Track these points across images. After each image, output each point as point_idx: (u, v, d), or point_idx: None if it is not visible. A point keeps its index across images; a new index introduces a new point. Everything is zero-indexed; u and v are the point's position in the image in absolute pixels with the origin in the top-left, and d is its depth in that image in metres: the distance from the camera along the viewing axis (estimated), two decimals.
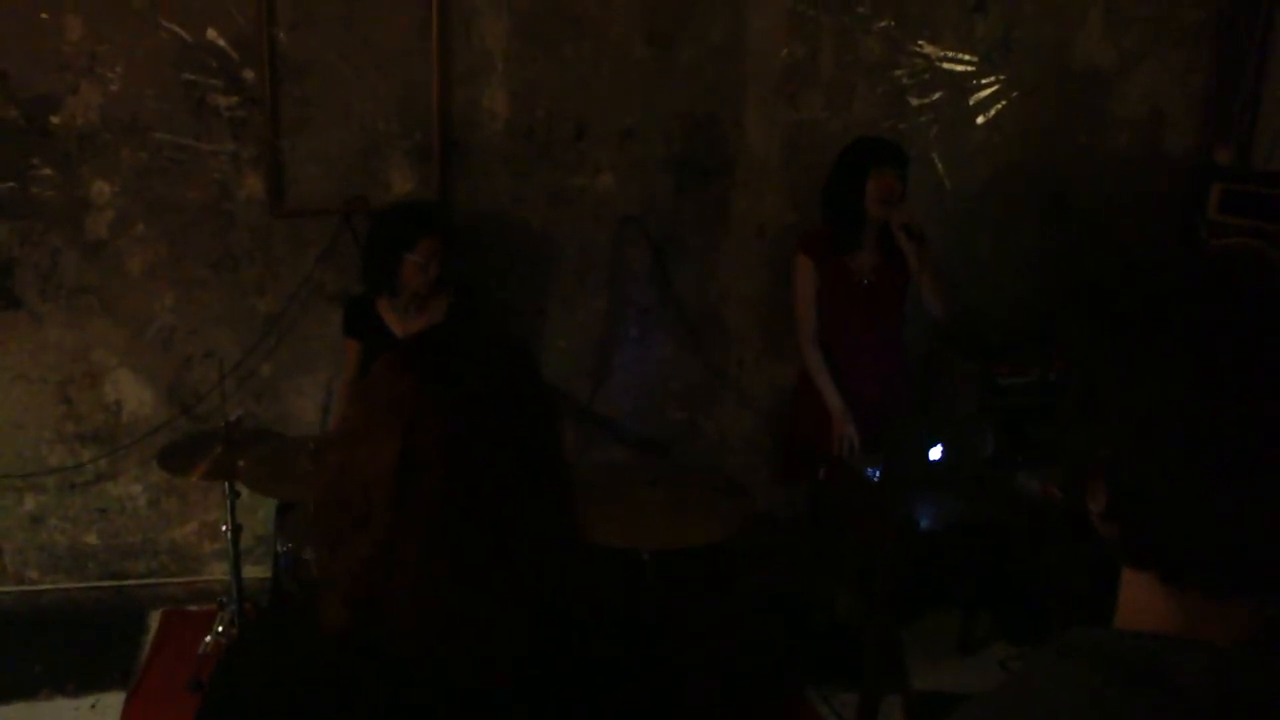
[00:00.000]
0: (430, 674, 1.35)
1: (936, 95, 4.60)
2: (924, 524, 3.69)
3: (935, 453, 3.81)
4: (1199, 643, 0.99)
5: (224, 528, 3.83)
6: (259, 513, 4.32)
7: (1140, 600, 1.05)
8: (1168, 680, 0.97)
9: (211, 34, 4.04)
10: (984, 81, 4.63)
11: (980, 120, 4.67)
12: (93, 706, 3.90)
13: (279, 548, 3.59)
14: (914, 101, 4.59)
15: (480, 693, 1.37)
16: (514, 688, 1.37)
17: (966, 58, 4.59)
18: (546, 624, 1.37)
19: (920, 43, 4.54)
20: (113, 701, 3.91)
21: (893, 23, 4.49)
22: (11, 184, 4.03)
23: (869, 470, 3.83)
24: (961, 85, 4.62)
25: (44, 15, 3.92)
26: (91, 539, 4.40)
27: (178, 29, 4.01)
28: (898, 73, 4.55)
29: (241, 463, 3.60)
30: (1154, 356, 1.00)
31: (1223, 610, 1.00)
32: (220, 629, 3.90)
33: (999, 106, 4.66)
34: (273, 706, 1.41)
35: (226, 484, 3.77)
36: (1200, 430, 0.95)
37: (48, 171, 4.04)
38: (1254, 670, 0.98)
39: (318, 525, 1.44)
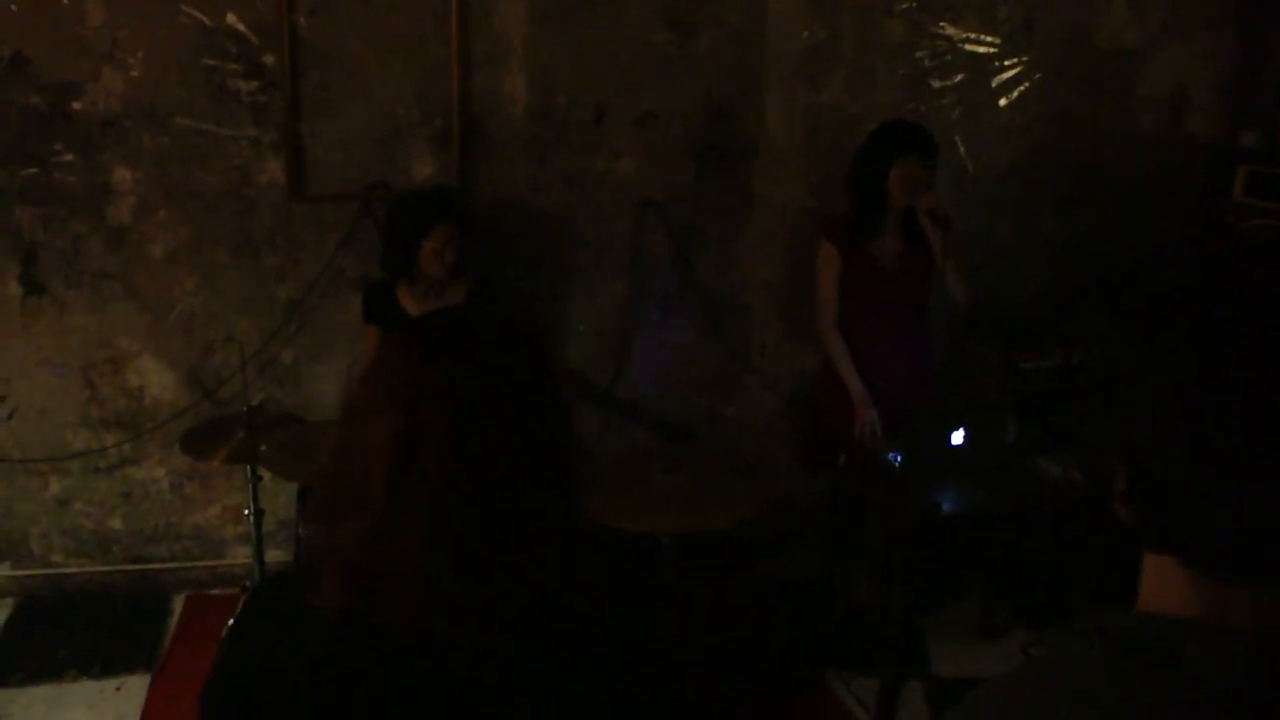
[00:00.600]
0: (426, 660, 1.34)
1: (959, 77, 4.57)
2: (945, 509, 3.69)
3: (957, 438, 3.80)
4: (1219, 628, 0.99)
5: (246, 511, 3.85)
6: (280, 497, 4.34)
7: (1162, 584, 1.05)
8: (1187, 665, 0.97)
9: (231, 19, 4.04)
10: (1006, 63, 4.59)
11: (1003, 102, 4.63)
12: (118, 689, 3.93)
13: (301, 531, 3.61)
14: (936, 84, 4.56)
15: (477, 681, 1.36)
16: (512, 677, 1.36)
17: (989, 39, 4.55)
18: (547, 614, 1.36)
19: (942, 24, 4.50)
20: (138, 684, 3.95)
21: (914, 4, 4.46)
22: (34, 170, 4.05)
23: (891, 455, 3.81)
24: (984, 67, 4.59)
25: (65, 1, 3.93)
26: (116, 523, 4.44)
27: (198, 14, 4.02)
28: (919, 54, 4.52)
29: (263, 447, 3.62)
30: (1163, 347, 1.01)
31: (1246, 596, 1.00)
32: None
33: (1022, 88, 4.63)
34: (272, 690, 1.41)
35: (248, 468, 3.79)
36: (1208, 419, 0.96)
37: (70, 158, 4.06)
38: (1276, 656, 0.97)
39: (317, 503, 1.44)
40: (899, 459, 3.79)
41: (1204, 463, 0.96)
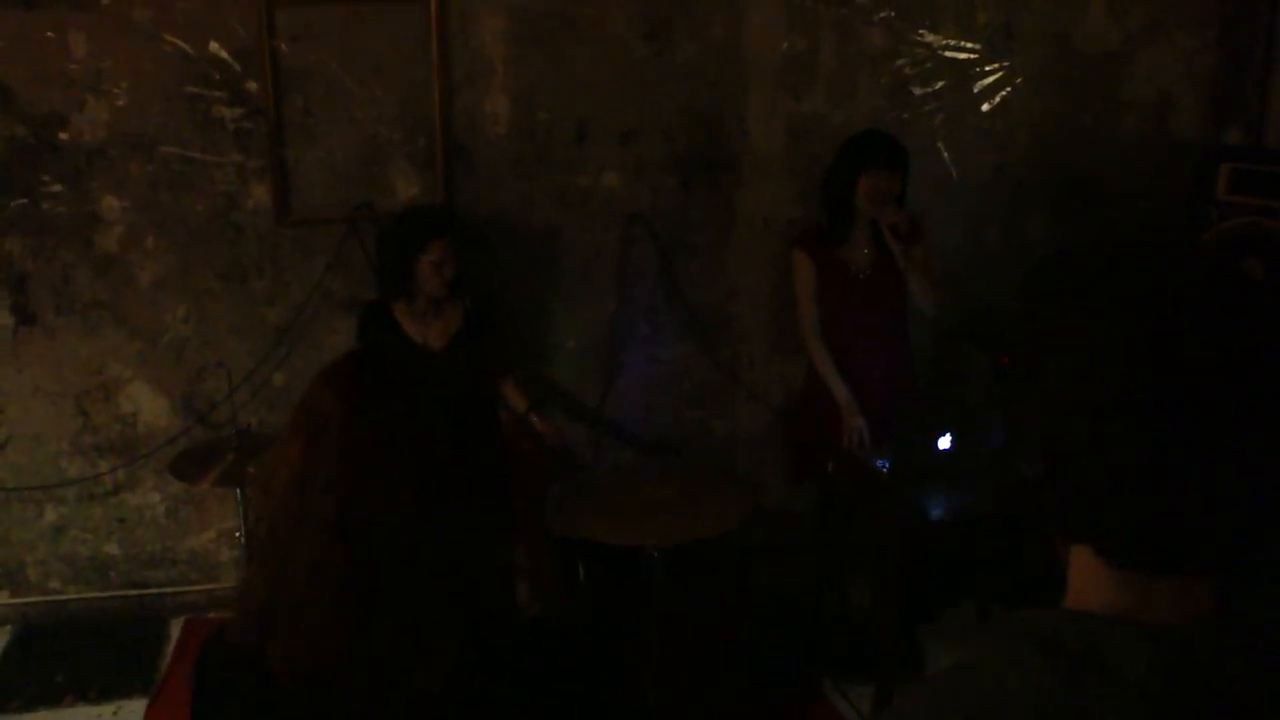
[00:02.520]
0: (328, 699, 1.32)
1: (940, 84, 4.59)
2: (934, 514, 3.69)
3: (944, 442, 3.80)
4: (1137, 624, 0.99)
5: (238, 534, 3.87)
6: None
7: (1085, 579, 1.05)
8: (1108, 662, 0.97)
9: (214, 46, 4.09)
10: (987, 69, 4.61)
11: (985, 108, 4.65)
12: (115, 713, 3.95)
13: None
14: (917, 91, 4.58)
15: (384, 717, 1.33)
16: (419, 715, 1.34)
17: (969, 45, 4.57)
18: (460, 651, 1.33)
19: (921, 32, 4.52)
20: (135, 708, 3.96)
21: (893, 13, 4.48)
22: (23, 201, 4.09)
23: (878, 462, 3.82)
24: (965, 73, 4.60)
25: (50, 34, 3.98)
26: (112, 549, 4.46)
27: (180, 43, 4.06)
28: (900, 62, 4.54)
29: (252, 469, 3.64)
30: (1075, 333, 1.02)
31: (1168, 590, 1.00)
32: None
33: (1003, 93, 4.64)
34: None
35: (238, 491, 3.81)
36: (1118, 407, 0.97)
37: (58, 188, 4.10)
38: (1200, 653, 0.98)
39: (247, 540, 1.44)
40: (887, 465, 3.79)
41: (1113, 451, 0.97)
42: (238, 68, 4.12)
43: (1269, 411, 0.95)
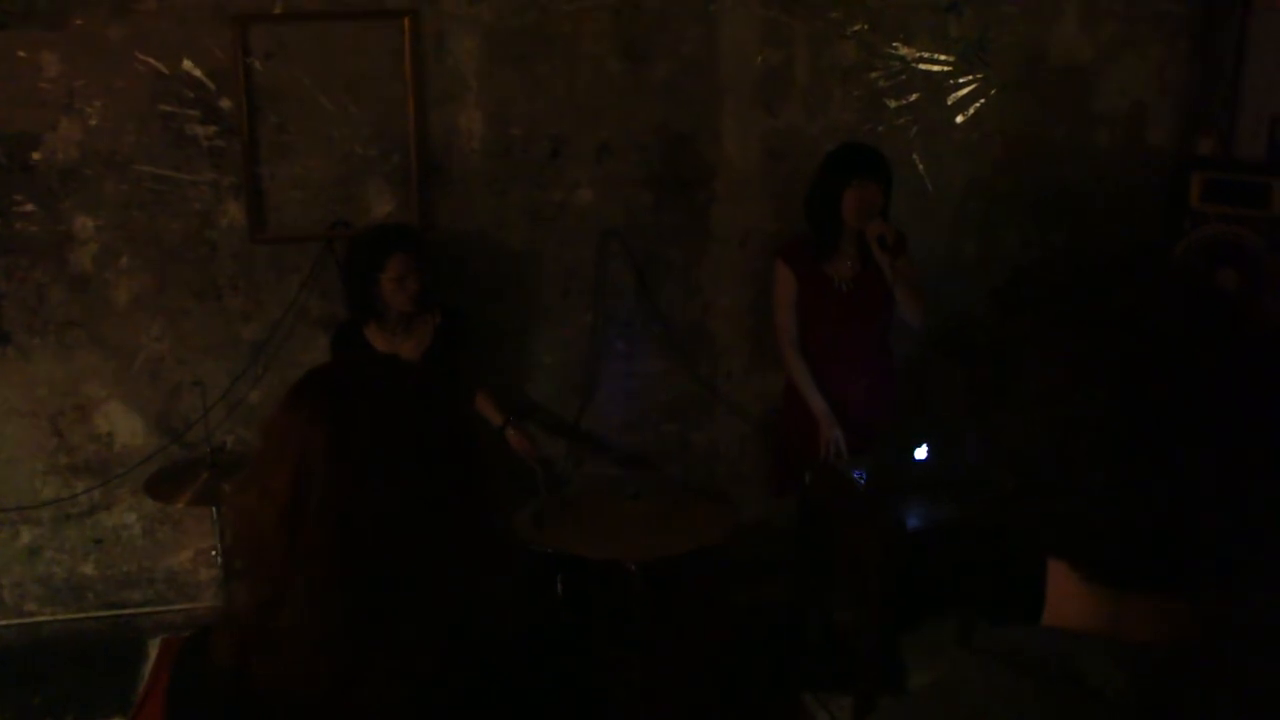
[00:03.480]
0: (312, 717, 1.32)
1: (914, 96, 4.60)
2: (911, 525, 3.69)
3: (921, 453, 3.81)
4: (1116, 642, 0.98)
5: (214, 553, 3.86)
6: None
7: (1063, 596, 1.04)
8: (1085, 681, 0.96)
9: (187, 65, 4.09)
10: (961, 81, 4.63)
11: (959, 119, 4.66)
12: None
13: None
14: (891, 104, 4.59)
15: None
16: None
17: (943, 58, 4.59)
18: (448, 672, 1.33)
19: (895, 44, 4.54)
20: None
21: (866, 26, 4.50)
22: None
23: (856, 473, 3.82)
24: (939, 85, 4.62)
25: (21, 53, 3.98)
26: (88, 569, 4.44)
27: (154, 61, 4.06)
28: (874, 75, 4.56)
29: (227, 488, 3.63)
30: (1048, 345, 1.01)
31: (1144, 608, 1.00)
32: None
33: (978, 105, 4.66)
34: None
35: (214, 509, 3.80)
36: (1088, 424, 0.96)
37: (31, 207, 4.09)
38: (1176, 671, 0.97)
39: (229, 560, 1.44)
40: (864, 477, 3.80)
41: (1085, 468, 0.96)
42: (211, 86, 4.12)
43: (1242, 429, 0.95)
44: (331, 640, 1.30)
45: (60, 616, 4.46)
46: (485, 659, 1.37)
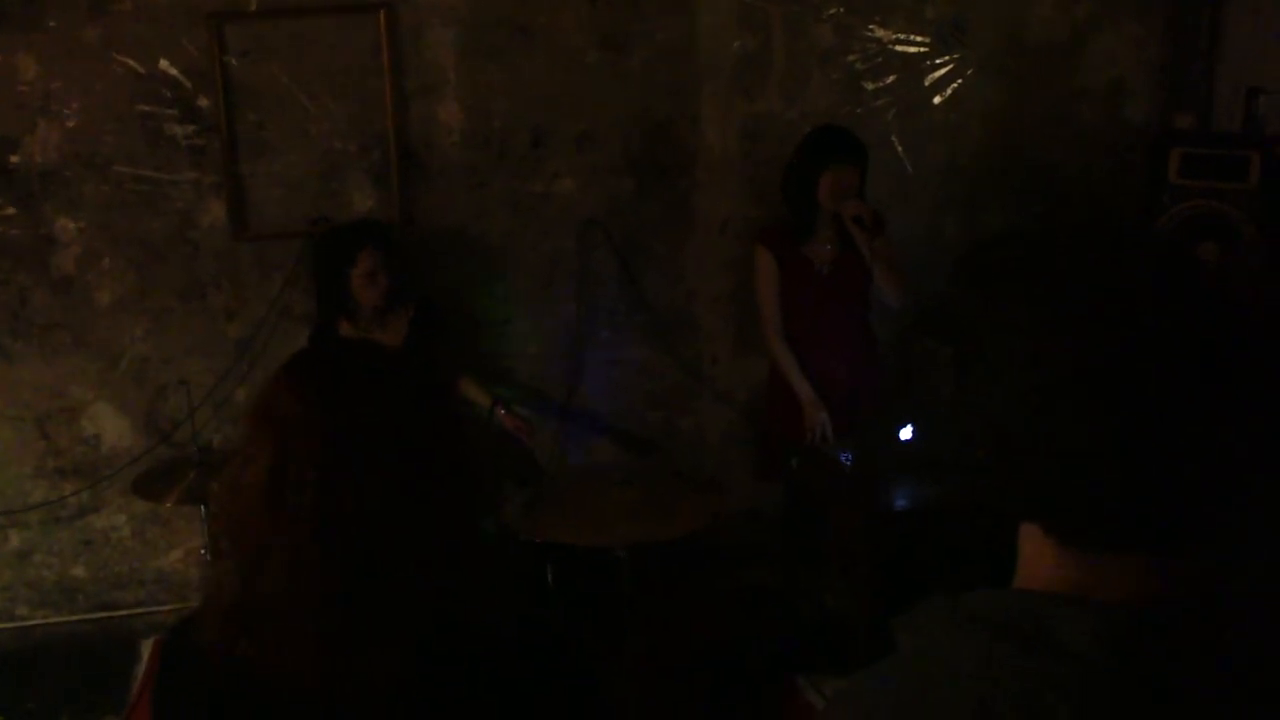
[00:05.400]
0: (302, 698, 1.33)
1: (891, 78, 4.61)
2: (899, 505, 3.71)
3: (906, 433, 3.82)
4: (1085, 601, 0.99)
5: (203, 551, 3.86)
6: None
7: (1034, 559, 1.05)
8: (1054, 639, 0.97)
9: (164, 64, 4.08)
10: (938, 61, 4.63)
11: (937, 100, 4.67)
12: None
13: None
14: (869, 86, 4.60)
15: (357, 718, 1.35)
16: (394, 714, 1.35)
17: (919, 39, 4.60)
18: (435, 651, 1.34)
19: (871, 27, 4.55)
20: None
21: (842, 9, 4.50)
22: None
23: (842, 456, 3.83)
24: (916, 67, 4.63)
25: None
26: (79, 572, 4.44)
27: (131, 61, 4.06)
28: (851, 58, 4.56)
29: (215, 486, 3.62)
30: (1016, 310, 1.02)
31: (1116, 568, 1.00)
32: None
33: (955, 86, 4.67)
34: None
35: (203, 508, 3.80)
36: (1059, 387, 0.97)
37: (11, 211, 4.09)
38: (1151, 629, 0.98)
39: (212, 539, 1.45)
40: (850, 459, 3.81)
41: (1058, 430, 0.97)
42: (189, 85, 4.11)
43: (1215, 389, 0.95)
44: (314, 609, 1.31)
45: (52, 619, 4.46)
46: (473, 636, 1.38)
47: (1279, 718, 1.02)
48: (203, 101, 4.13)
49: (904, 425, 3.82)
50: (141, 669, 4.28)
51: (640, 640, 3.80)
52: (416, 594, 1.34)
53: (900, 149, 4.67)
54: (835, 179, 3.92)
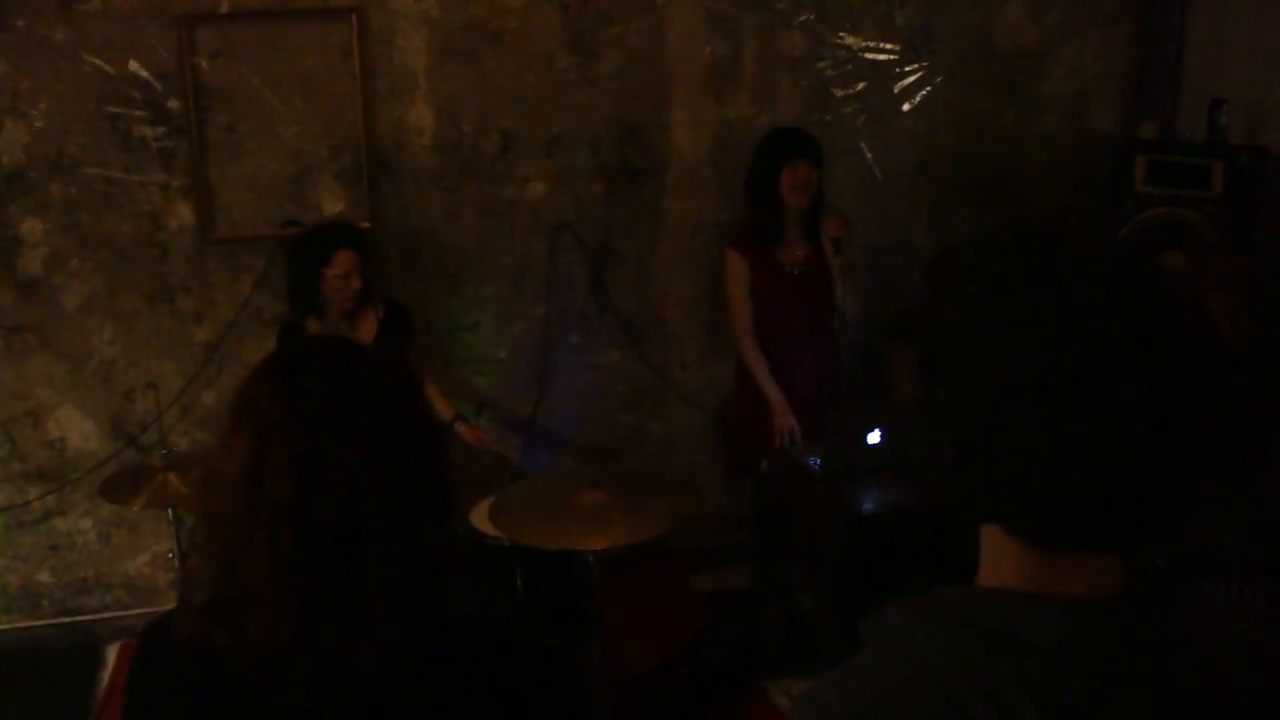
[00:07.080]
0: (280, 689, 1.34)
1: (861, 85, 4.64)
2: (867, 509, 3.72)
3: (874, 438, 3.84)
4: (1046, 598, 1.01)
5: (171, 555, 3.84)
6: None
7: (997, 558, 1.07)
8: (1019, 636, 0.99)
9: (134, 65, 4.06)
10: (907, 69, 4.67)
11: (906, 107, 4.70)
12: None
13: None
14: (839, 93, 4.63)
15: (335, 711, 1.36)
16: (384, 706, 1.36)
17: (888, 46, 4.63)
18: (412, 641, 1.35)
19: (841, 34, 4.58)
20: None
21: (812, 16, 4.53)
22: None
23: (810, 460, 3.85)
24: (885, 74, 4.66)
25: None
26: (44, 576, 4.40)
27: (100, 62, 4.03)
28: (821, 65, 4.59)
29: (184, 489, 3.61)
30: (982, 312, 1.03)
31: (1077, 565, 1.02)
32: None
33: (924, 93, 4.70)
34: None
35: (170, 511, 3.78)
36: (1023, 387, 0.98)
37: None
38: (1110, 625, 1.00)
39: (192, 533, 1.45)
40: (818, 463, 3.83)
41: (1021, 431, 0.98)
42: (159, 87, 4.10)
43: (1174, 391, 0.97)
44: (292, 601, 1.32)
45: (16, 625, 4.42)
46: (451, 626, 1.40)
47: (1240, 709, 1.04)
48: (172, 103, 4.11)
49: (872, 429, 3.84)
50: (108, 674, 4.26)
51: (609, 643, 3.80)
52: (394, 586, 1.35)
53: (869, 155, 4.70)
54: (792, 175, 4.03)
